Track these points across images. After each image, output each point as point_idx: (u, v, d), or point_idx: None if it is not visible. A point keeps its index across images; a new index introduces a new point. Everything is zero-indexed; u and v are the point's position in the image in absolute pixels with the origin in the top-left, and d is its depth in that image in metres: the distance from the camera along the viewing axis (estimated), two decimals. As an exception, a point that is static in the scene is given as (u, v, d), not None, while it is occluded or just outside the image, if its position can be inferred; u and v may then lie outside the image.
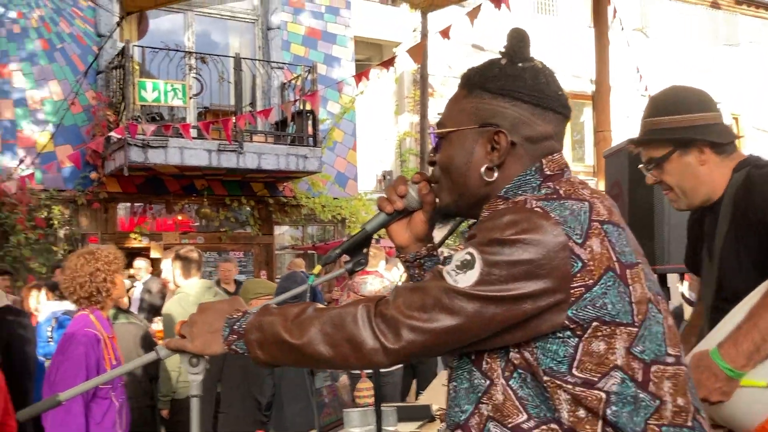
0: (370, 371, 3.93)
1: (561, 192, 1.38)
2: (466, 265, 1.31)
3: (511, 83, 1.47)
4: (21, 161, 10.63)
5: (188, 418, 4.44)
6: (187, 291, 5.27)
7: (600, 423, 1.28)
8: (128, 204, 11.48)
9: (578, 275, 1.28)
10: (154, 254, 11.19)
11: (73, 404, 3.43)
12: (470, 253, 1.32)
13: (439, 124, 1.58)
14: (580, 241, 1.30)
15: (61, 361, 3.53)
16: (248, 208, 12.21)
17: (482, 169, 1.46)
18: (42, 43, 10.92)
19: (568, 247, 1.28)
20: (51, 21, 10.99)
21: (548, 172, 1.45)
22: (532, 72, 1.48)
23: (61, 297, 7.06)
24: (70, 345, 3.55)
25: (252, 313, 1.48)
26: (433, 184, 1.61)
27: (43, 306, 6.97)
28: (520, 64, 1.49)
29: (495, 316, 1.28)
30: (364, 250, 1.70)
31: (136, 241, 11.20)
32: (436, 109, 14.34)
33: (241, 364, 4.51)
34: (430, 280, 1.35)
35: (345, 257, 1.70)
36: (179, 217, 11.72)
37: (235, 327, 1.47)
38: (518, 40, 1.50)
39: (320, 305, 1.47)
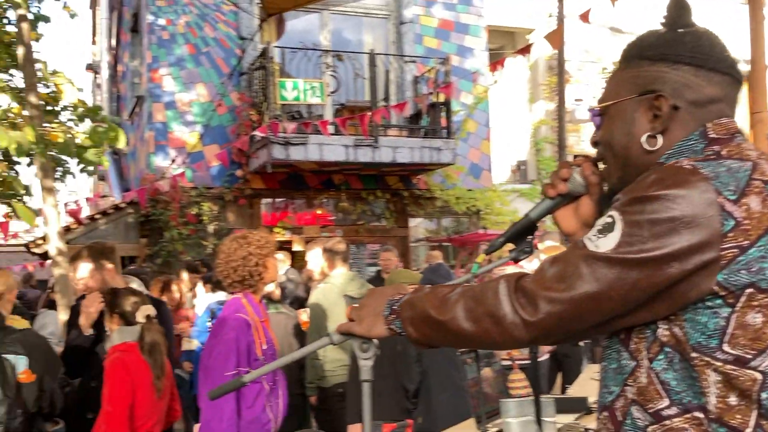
0: (525, 362, 3.92)
1: (723, 153, 1.29)
2: (607, 229, 1.26)
3: (670, 48, 1.41)
4: (173, 161, 11.27)
5: (334, 407, 4.59)
6: (333, 282, 5.42)
7: (754, 413, 1.18)
8: (271, 200, 11.93)
9: (730, 235, 1.18)
10: (296, 247, 11.59)
11: None
12: (611, 216, 1.27)
13: (599, 102, 1.55)
14: (733, 197, 1.20)
15: (213, 345, 3.63)
16: (383, 201, 12.40)
17: (643, 138, 1.40)
18: (189, 48, 11.53)
19: (717, 203, 1.19)
20: (196, 26, 11.58)
21: (713, 136, 1.36)
22: (692, 36, 1.42)
23: (215, 289, 7.46)
24: (221, 330, 3.63)
25: (409, 293, 1.51)
26: (599, 166, 1.56)
27: (200, 298, 7.38)
28: (680, 30, 1.43)
29: (638, 282, 1.21)
30: (528, 238, 1.69)
31: (279, 235, 11.61)
32: (573, 95, 14.02)
33: (388, 354, 4.61)
34: (571, 249, 1.30)
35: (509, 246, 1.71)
36: (319, 212, 12.07)
37: (395, 307, 1.50)
38: (678, 8, 1.44)
39: (471, 284, 1.48)
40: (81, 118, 5.16)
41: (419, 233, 13.46)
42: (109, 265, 4.30)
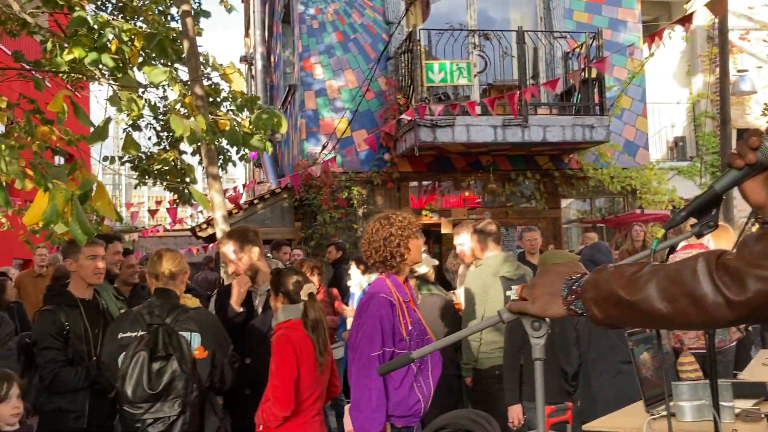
0: (698, 348, 3.73)
1: None
2: None
3: None
4: (323, 147, 11.59)
5: (490, 389, 4.52)
6: (487, 263, 5.39)
7: None
8: (418, 182, 12.01)
9: None
10: (444, 230, 11.63)
11: (372, 367, 3.52)
12: None
13: None
14: None
15: (359, 325, 3.67)
16: (533, 182, 12.17)
17: None
18: (337, 36, 11.78)
19: None
20: (344, 13, 11.81)
21: None
22: None
23: (367, 270, 7.62)
24: (364, 310, 3.67)
25: (590, 273, 1.48)
26: None
27: (354, 279, 7.56)
28: None
29: None
30: (713, 212, 1.60)
31: (427, 218, 11.69)
32: (736, 66, 13.16)
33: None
34: None
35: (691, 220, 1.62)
36: (466, 194, 12.03)
37: (574, 287, 1.48)
38: None
39: (658, 263, 1.42)
40: (240, 108, 5.39)
41: (571, 214, 13.14)
42: (255, 249, 4.45)
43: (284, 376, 3.57)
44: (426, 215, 11.76)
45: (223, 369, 3.84)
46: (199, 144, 3.76)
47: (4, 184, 2.58)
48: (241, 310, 4.22)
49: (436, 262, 6.13)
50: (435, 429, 3.22)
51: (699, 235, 1.63)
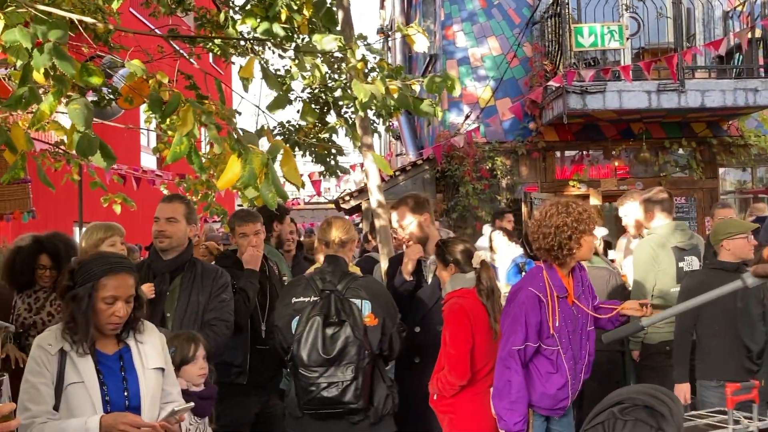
0: None
1: None
2: None
3: None
4: (467, 117, 11.48)
5: (660, 364, 4.32)
6: (657, 232, 5.17)
7: None
8: (566, 152, 11.70)
9: None
10: (593, 201, 11.28)
11: (512, 359, 3.51)
12: None
13: None
14: None
15: (506, 313, 3.63)
16: (689, 151, 11.59)
17: None
18: (480, 2, 11.59)
19: None
20: (487, -21, 11.60)
21: None
22: None
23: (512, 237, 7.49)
24: (513, 300, 3.62)
25: None
26: None
27: (501, 250, 7.43)
28: None
29: None
30: None
31: (574, 189, 11.39)
32: None
33: (725, 311, 4.29)
34: None
35: None
36: (616, 163, 11.61)
37: None
38: None
39: None
40: (386, 79, 5.37)
41: (729, 185, 12.42)
42: (425, 215, 4.45)
43: (459, 344, 3.57)
44: (573, 185, 11.45)
45: (392, 337, 3.88)
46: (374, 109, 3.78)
47: (197, 150, 2.67)
48: (411, 278, 4.24)
49: (606, 232, 5.93)
50: (611, 404, 3.10)
51: None
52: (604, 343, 1.73)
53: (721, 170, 11.91)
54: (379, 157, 3.76)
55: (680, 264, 5.07)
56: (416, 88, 3.69)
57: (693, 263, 5.11)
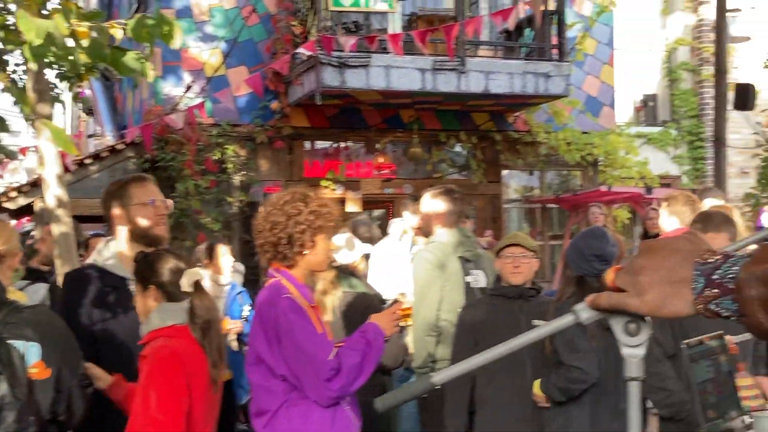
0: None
1: None
2: None
3: None
4: (187, 88, 11.16)
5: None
6: (440, 240, 5.42)
7: None
8: (318, 142, 11.79)
9: None
10: (350, 207, 11.43)
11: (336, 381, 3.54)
12: None
13: None
14: None
15: (280, 333, 3.61)
16: (469, 147, 12.15)
17: None
18: (209, -64, 11.36)
19: None
20: None
21: None
22: None
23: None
24: (268, 319, 3.65)
25: (742, 257, 1.34)
26: None
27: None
28: None
29: None
30: None
31: (327, 191, 11.46)
32: (734, 1, 13.47)
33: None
34: None
35: None
36: (381, 160, 11.88)
37: (716, 277, 1.34)
38: None
39: None
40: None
41: (511, 192, 13.21)
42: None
43: (171, 407, 3.30)
44: (327, 186, 11.53)
45: (72, 395, 3.54)
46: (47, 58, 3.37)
47: None
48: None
49: (369, 249, 6.01)
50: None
51: None
52: (379, 411, 1.62)
53: (504, 173, 12.62)
54: (58, 131, 3.38)
55: (467, 278, 5.33)
56: (117, 34, 3.36)
57: (479, 279, 5.39)
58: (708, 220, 4.54)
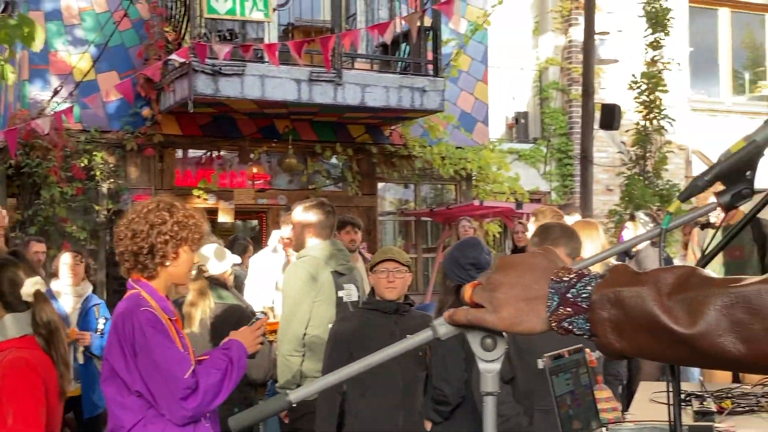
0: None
1: None
2: None
3: None
4: (55, 92, 10.86)
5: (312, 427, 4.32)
6: (311, 254, 5.39)
7: None
8: (190, 151, 11.66)
9: None
10: (223, 218, 11.33)
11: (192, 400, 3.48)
12: None
13: None
14: None
15: (135, 346, 3.56)
16: (345, 159, 12.21)
17: None
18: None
19: None
20: None
21: None
22: None
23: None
24: (125, 332, 3.58)
25: (595, 277, 1.35)
26: None
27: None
28: None
29: None
30: (748, 174, 1.50)
31: (199, 200, 11.32)
32: (602, 24, 13.92)
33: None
34: None
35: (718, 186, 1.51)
36: (255, 170, 11.83)
37: (570, 296, 1.35)
38: None
39: (704, 270, 1.30)
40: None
41: (387, 205, 13.32)
42: None
43: (34, 420, 3.19)
44: (199, 196, 11.39)
45: None
46: None
47: None
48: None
49: (238, 260, 5.96)
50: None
51: (728, 208, 1.52)
52: (233, 430, 1.60)
53: (379, 185, 12.71)
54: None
55: (340, 293, 5.33)
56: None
57: (352, 293, 5.40)
58: (545, 234, 4.54)
